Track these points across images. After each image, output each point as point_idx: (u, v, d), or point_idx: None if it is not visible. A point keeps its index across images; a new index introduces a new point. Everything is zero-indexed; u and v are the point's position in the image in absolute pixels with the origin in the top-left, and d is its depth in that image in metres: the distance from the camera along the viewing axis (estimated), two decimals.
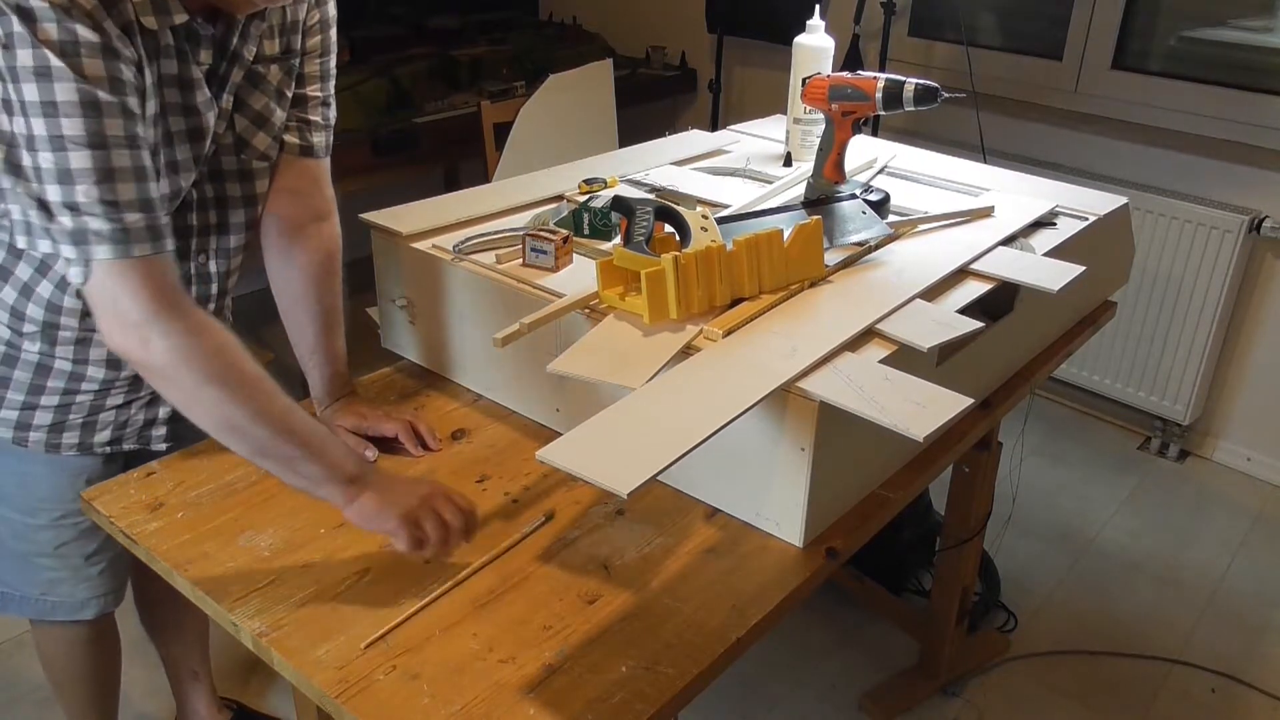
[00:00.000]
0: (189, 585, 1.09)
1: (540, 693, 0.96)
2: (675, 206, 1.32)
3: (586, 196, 1.61)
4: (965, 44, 2.91)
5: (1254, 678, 2.16)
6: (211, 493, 1.23)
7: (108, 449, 1.35)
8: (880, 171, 1.80)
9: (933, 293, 1.34)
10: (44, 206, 0.99)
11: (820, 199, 1.50)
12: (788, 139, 1.87)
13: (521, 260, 1.40)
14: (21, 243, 1.08)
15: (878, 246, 1.45)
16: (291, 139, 1.29)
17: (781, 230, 1.29)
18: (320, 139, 1.32)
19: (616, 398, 1.09)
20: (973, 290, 1.37)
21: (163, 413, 1.37)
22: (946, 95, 1.41)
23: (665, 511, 1.22)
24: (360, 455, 1.16)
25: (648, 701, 0.95)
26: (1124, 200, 1.73)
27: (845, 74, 1.48)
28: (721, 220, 1.41)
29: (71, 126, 0.96)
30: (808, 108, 1.78)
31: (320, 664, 0.98)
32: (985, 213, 1.59)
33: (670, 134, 2.02)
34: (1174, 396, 2.86)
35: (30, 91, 0.94)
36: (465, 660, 0.99)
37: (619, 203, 1.34)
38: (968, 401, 1.08)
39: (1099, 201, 1.71)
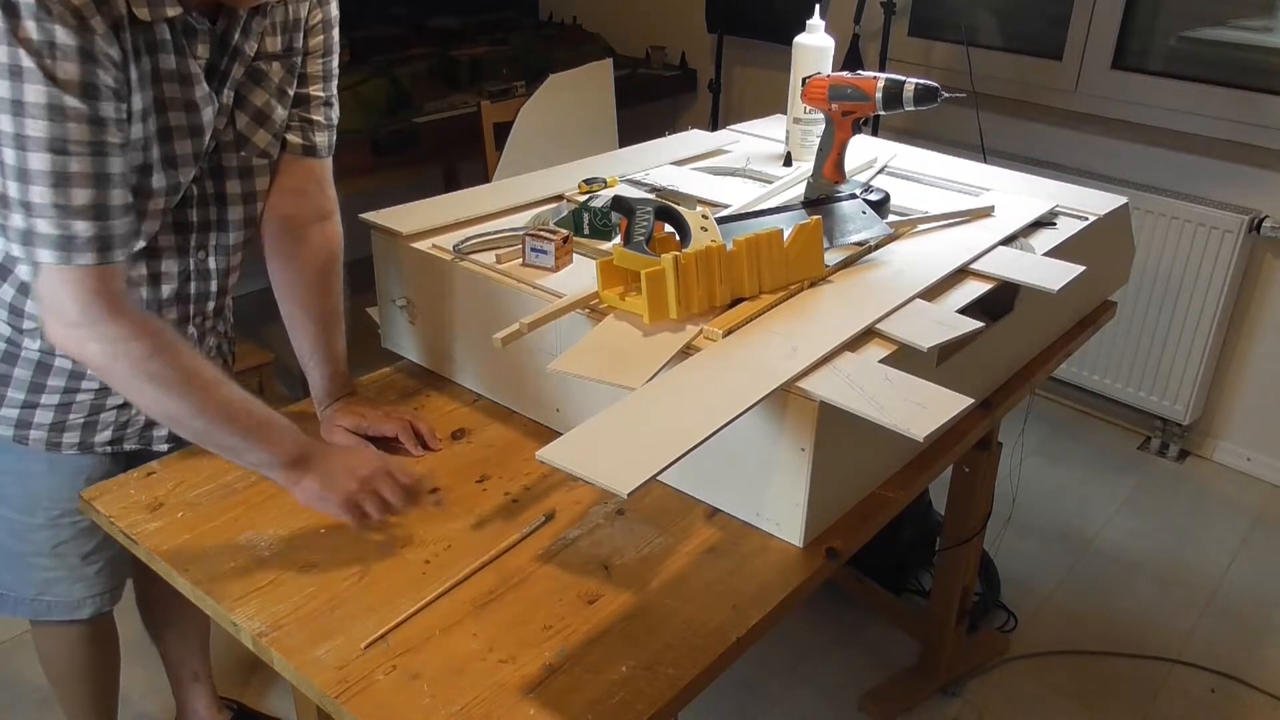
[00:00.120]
0: (189, 585, 1.09)
1: (540, 693, 0.96)
2: (675, 206, 1.32)
3: (586, 196, 1.61)
4: (965, 44, 2.91)
5: (1254, 678, 2.16)
6: (211, 493, 1.23)
7: (109, 448, 1.35)
8: (880, 171, 1.80)
9: (933, 293, 1.34)
10: (3, 200, 1.01)
11: (820, 199, 1.50)
12: (788, 139, 1.87)
13: (521, 260, 1.40)
14: None
15: (878, 246, 1.45)
16: (294, 139, 1.30)
17: (781, 230, 1.29)
18: (323, 139, 1.32)
19: (616, 398, 1.09)
20: (973, 290, 1.37)
21: None
22: (946, 95, 1.41)
23: (665, 511, 1.22)
24: (303, 438, 1.17)
25: (648, 701, 0.95)
26: (1124, 200, 1.73)
27: (845, 74, 1.48)
28: (721, 220, 1.41)
29: (35, 128, 0.97)
30: (808, 108, 1.79)
31: (320, 664, 0.98)
32: (985, 213, 1.59)
33: (670, 134, 2.02)
34: (1174, 396, 2.86)
35: (2, 88, 0.96)
36: (465, 660, 0.99)
37: (619, 203, 1.34)
38: (968, 401, 1.08)
39: (1099, 201, 1.71)
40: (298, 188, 1.32)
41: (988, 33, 3.10)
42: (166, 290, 1.26)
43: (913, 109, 1.42)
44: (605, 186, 1.66)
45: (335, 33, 1.30)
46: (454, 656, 1.00)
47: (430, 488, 1.25)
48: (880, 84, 1.43)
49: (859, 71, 1.48)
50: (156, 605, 1.73)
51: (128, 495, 1.22)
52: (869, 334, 1.23)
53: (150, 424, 1.37)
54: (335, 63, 1.32)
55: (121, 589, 1.51)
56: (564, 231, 1.40)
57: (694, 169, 1.81)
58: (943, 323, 1.25)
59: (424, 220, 1.49)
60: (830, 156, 1.51)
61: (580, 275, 1.36)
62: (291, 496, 1.19)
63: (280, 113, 1.26)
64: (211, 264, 1.30)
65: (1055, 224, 1.62)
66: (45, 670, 1.62)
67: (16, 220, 1.01)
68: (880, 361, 1.17)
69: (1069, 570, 2.47)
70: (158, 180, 1.14)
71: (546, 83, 2.80)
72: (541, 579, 1.11)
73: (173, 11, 1.06)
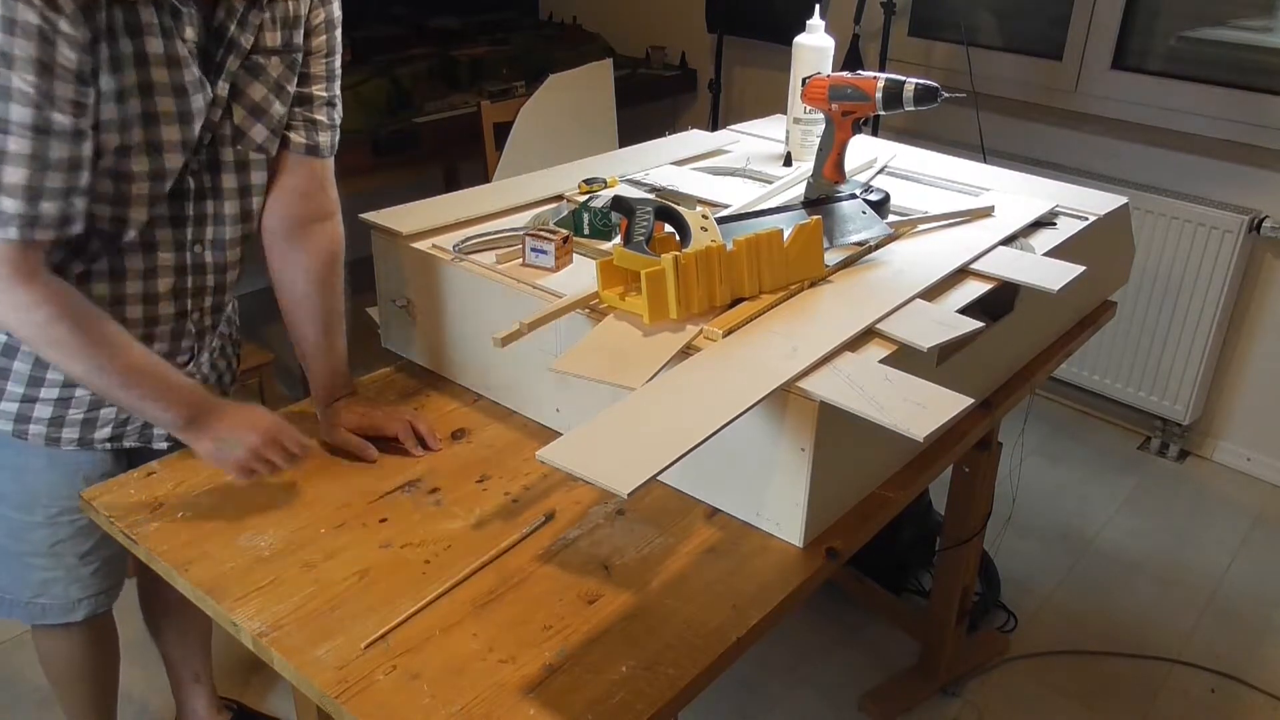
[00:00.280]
0: (189, 585, 1.09)
1: (540, 693, 0.96)
2: (675, 206, 1.32)
3: (586, 196, 1.61)
4: (965, 44, 2.91)
5: (1254, 678, 2.16)
6: (211, 493, 1.23)
7: (108, 445, 1.35)
8: (880, 171, 1.80)
9: (933, 293, 1.34)
10: None
11: (820, 199, 1.50)
12: (788, 139, 1.87)
13: (521, 260, 1.40)
14: None
15: (878, 246, 1.45)
16: (297, 138, 1.30)
17: (781, 230, 1.29)
18: (326, 138, 1.33)
19: (617, 398, 1.09)
20: (973, 290, 1.37)
21: None
22: (946, 95, 1.41)
23: (665, 511, 1.22)
24: (200, 401, 1.20)
25: (648, 701, 0.95)
26: (1124, 200, 1.73)
27: (845, 74, 1.48)
28: (721, 220, 1.41)
29: None
30: (808, 108, 1.79)
31: (320, 664, 0.98)
32: (985, 213, 1.59)
33: (670, 134, 2.02)
34: (1174, 396, 2.86)
35: None
36: (465, 660, 0.99)
37: (619, 203, 1.34)
38: (968, 401, 1.08)
39: (1099, 201, 1.71)
40: (300, 187, 1.33)
41: (988, 33, 3.10)
42: (163, 285, 1.26)
43: (913, 109, 1.42)
44: (605, 186, 1.66)
45: (338, 33, 1.30)
46: (454, 656, 1.00)
47: (430, 488, 1.25)
48: (880, 84, 1.43)
49: (859, 71, 1.48)
50: (158, 605, 1.74)
51: (128, 495, 1.22)
52: (869, 334, 1.23)
53: (149, 422, 1.37)
54: (338, 62, 1.32)
55: (117, 590, 1.51)
56: (564, 231, 1.40)
57: (694, 169, 1.81)
58: (943, 323, 1.25)
59: (424, 220, 1.49)
60: (830, 156, 1.51)
61: (580, 275, 1.36)
62: (295, 499, 1.21)
63: (278, 108, 1.26)
64: (208, 258, 1.30)
65: (1055, 224, 1.62)
66: (45, 670, 1.62)
67: None
68: (880, 361, 1.17)
69: (1069, 570, 2.47)
70: (139, 164, 1.14)
71: (546, 83, 2.79)
72: (541, 579, 1.11)
73: None
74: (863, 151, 1.85)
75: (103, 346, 1.13)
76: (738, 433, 1.12)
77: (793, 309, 1.27)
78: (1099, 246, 1.69)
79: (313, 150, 1.32)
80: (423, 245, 1.44)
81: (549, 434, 1.36)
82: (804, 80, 1.53)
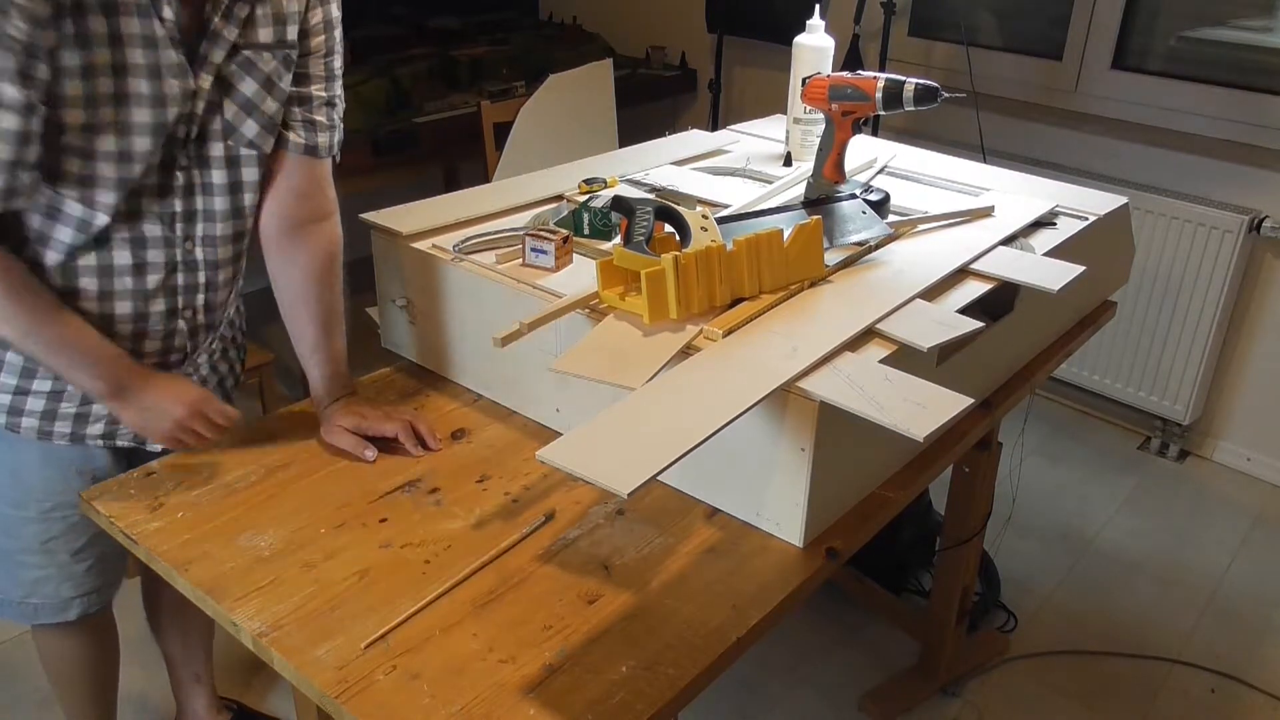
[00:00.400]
0: (189, 585, 1.09)
1: (540, 693, 0.96)
2: (675, 206, 1.32)
3: (586, 196, 1.61)
4: (965, 44, 2.91)
5: (1254, 678, 2.16)
6: (211, 493, 1.23)
7: (100, 442, 1.34)
8: (880, 171, 1.80)
9: (933, 293, 1.34)
10: None
11: (820, 199, 1.50)
12: (788, 139, 1.87)
13: (521, 260, 1.40)
14: None
15: (878, 246, 1.45)
16: (296, 138, 1.30)
17: (781, 230, 1.29)
18: (325, 139, 1.32)
19: (617, 398, 1.09)
20: (973, 290, 1.37)
21: None
22: (946, 95, 1.41)
23: (665, 511, 1.22)
24: (125, 372, 1.23)
25: (648, 701, 0.95)
26: (1124, 200, 1.73)
27: (845, 74, 1.48)
28: (721, 220, 1.41)
29: None
30: (808, 108, 1.79)
31: (320, 664, 0.98)
32: (985, 213, 1.59)
33: (670, 134, 2.02)
34: (1174, 396, 2.86)
35: None
36: (465, 660, 0.99)
37: (619, 203, 1.34)
38: (968, 401, 1.08)
39: (1099, 201, 1.71)
40: (297, 188, 1.33)
41: (988, 33, 3.10)
42: (152, 280, 1.26)
43: (913, 109, 1.42)
44: (605, 186, 1.66)
45: (337, 33, 1.30)
46: (454, 656, 1.00)
47: (430, 488, 1.25)
48: (880, 84, 1.43)
49: (859, 71, 1.48)
50: (161, 605, 1.74)
51: (128, 495, 1.22)
52: (869, 334, 1.23)
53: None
54: (338, 63, 1.32)
55: (112, 589, 1.51)
56: (564, 231, 1.40)
57: (694, 169, 1.81)
58: (943, 323, 1.25)
59: (424, 220, 1.49)
60: (830, 156, 1.51)
61: (580, 275, 1.36)
62: (295, 499, 1.21)
63: (271, 104, 1.25)
64: (199, 255, 1.29)
65: (1055, 224, 1.62)
66: (45, 668, 1.62)
67: None
68: (880, 361, 1.17)
69: (1069, 570, 2.47)
70: (105, 143, 1.13)
71: (546, 83, 2.79)
72: (541, 579, 1.11)
73: None
74: (863, 151, 1.85)
75: (34, 314, 1.16)
76: (738, 433, 1.12)
77: (793, 309, 1.27)
78: (1099, 246, 1.69)
79: (311, 150, 1.31)
80: (423, 245, 1.44)
81: (549, 434, 1.36)
82: (804, 80, 1.53)
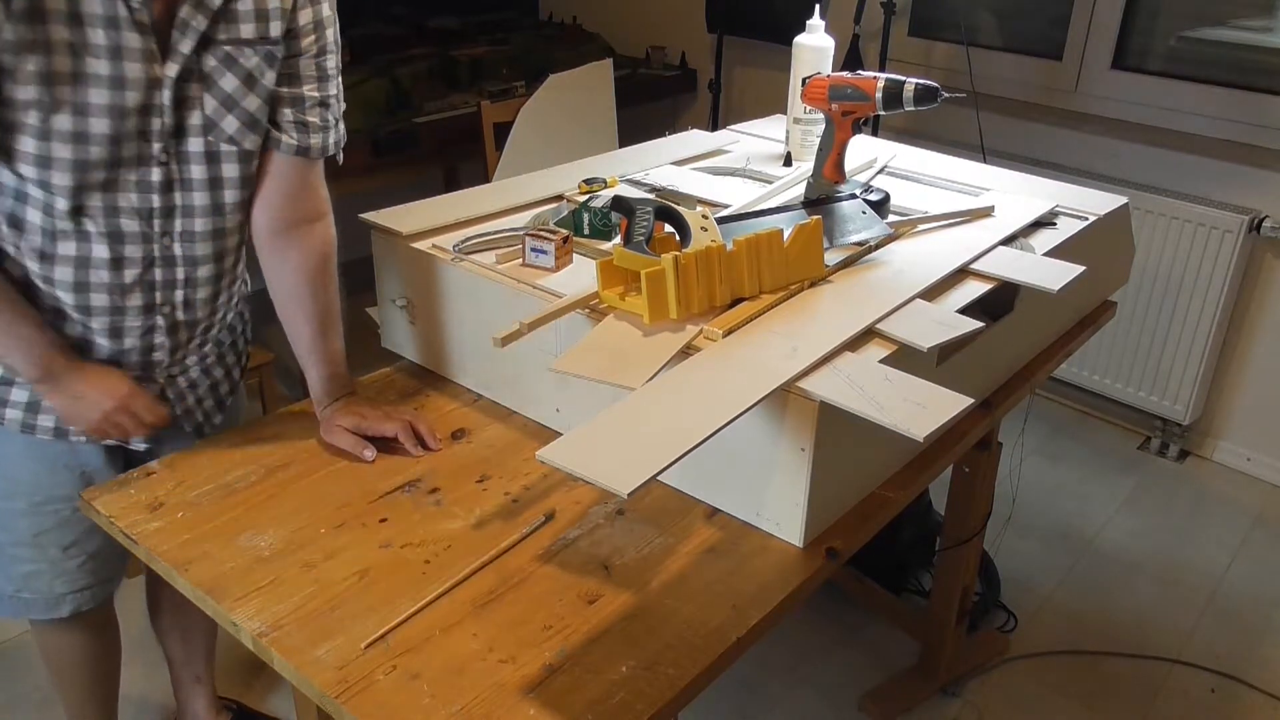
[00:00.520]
0: (189, 585, 1.09)
1: (540, 693, 0.96)
2: (675, 206, 1.32)
3: (586, 196, 1.61)
4: (965, 44, 2.91)
5: (1254, 678, 2.16)
6: (211, 493, 1.23)
7: (82, 438, 1.34)
8: (880, 171, 1.80)
9: (933, 293, 1.34)
10: None
11: (820, 199, 1.50)
12: (788, 139, 1.87)
13: (521, 260, 1.40)
14: None
15: (878, 246, 1.45)
16: (288, 139, 1.28)
17: (781, 230, 1.29)
18: (318, 140, 1.31)
19: (617, 398, 1.09)
20: (973, 290, 1.37)
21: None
22: (946, 95, 1.41)
23: (665, 511, 1.22)
24: (55, 360, 1.24)
25: (648, 701, 0.95)
26: (1124, 200, 1.73)
27: (845, 74, 1.48)
28: (721, 220, 1.41)
29: None
30: (808, 108, 1.79)
31: (320, 664, 0.98)
32: (985, 213, 1.59)
33: (670, 134, 2.02)
34: (1174, 396, 2.86)
35: None
36: (465, 660, 0.99)
37: (619, 203, 1.34)
38: (968, 401, 1.08)
39: (1099, 201, 1.71)
40: (289, 189, 1.32)
41: (988, 33, 3.10)
42: (129, 275, 1.25)
43: (913, 109, 1.42)
44: (605, 186, 1.66)
45: (331, 33, 1.29)
46: (454, 656, 1.00)
47: (430, 488, 1.25)
48: (880, 84, 1.43)
49: (859, 71, 1.48)
50: (164, 605, 1.74)
51: (128, 495, 1.22)
52: (869, 334, 1.23)
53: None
54: (332, 63, 1.31)
55: (108, 587, 1.51)
56: (564, 231, 1.40)
57: (694, 169, 1.81)
58: (943, 323, 1.25)
59: (424, 220, 1.49)
60: (830, 156, 1.51)
61: (580, 275, 1.36)
62: (295, 499, 1.21)
63: (252, 101, 1.24)
64: (177, 251, 1.27)
65: (1055, 224, 1.62)
66: (44, 661, 1.62)
67: None
68: (880, 361, 1.17)
69: (1069, 570, 2.47)
70: (62, 123, 1.12)
71: (546, 83, 2.80)
72: (541, 579, 1.11)
73: None
74: (863, 151, 1.85)
75: None
76: (738, 433, 1.12)
77: (793, 309, 1.27)
78: (1099, 246, 1.69)
79: (303, 152, 1.30)
80: (423, 245, 1.44)
81: (549, 434, 1.36)
82: (804, 80, 1.53)
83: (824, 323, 1.23)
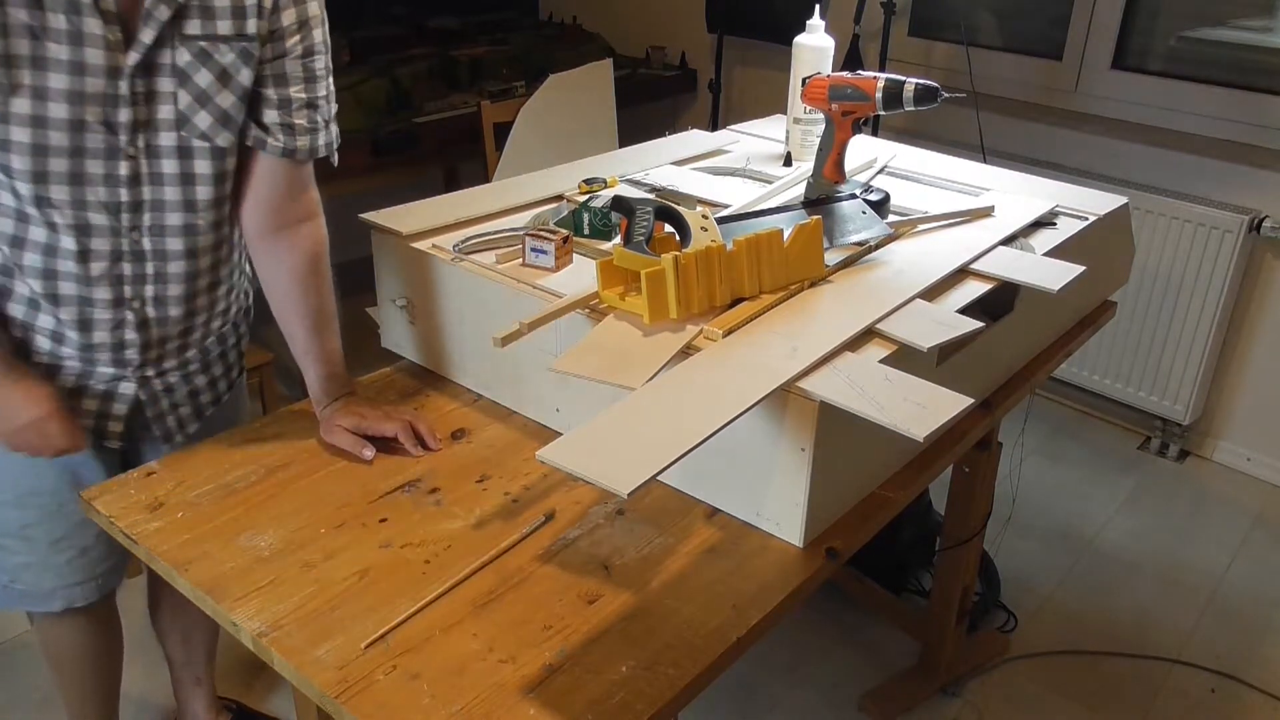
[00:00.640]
0: (189, 585, 1.09)
1: (540, 693, 0.96)
2: (675, 206, 1.32)
3: (586, 196, 1.61)
4: (965, 44, 2.91)
5: (1254, 678, 2.16)
6: (211, 493, 1.23)
7: None
8: (880, 171, 1.80)
9: (933, 293, 1.34)
10: None
11: (820, 199, 1.50)
12: (788, 139, 1.87)
13: (521, 260, 1.40)
14: None
15: (878, 246, 1.45)
16: (273, 141, 1.27)
17: (781, 230, 1.29)
18: (304, 142, 1.29)
19: (617, 398, 1.09)
20: (973, 290, 1.37)
21: (117, 409, 1.35)
22: (946, 95, 1.41)
23: (665, 511, 1.22)
24: None
25: (648, 701, 0.95)
26: (1124, 200, 1.73)
27: (845, 74, 1.48)
28: (721, 220, 1.41)
29: None
30: (808, 108, 1.79)
31: (320, 664, 0.98)
32: (985, 213, 1.59)
33: (670, 134, 2.02)
34: (1174, 396, 2.86)
35: None
36: (465, 660, 0.99)
37: (619, 203, 1.34)
38: (968, 401, 1.08)
39: (1099, 201, 1.71)
40: (277, 191, 1.31)
41: (988, 33, 3.10)
42: (96, 268, 1.24)
43: (913, 109, 1.42)
44: (605, 186, 1.66)
45: (318, 33, 1.27)
46: (454, 656, 1.00)
47: (430, 488, 1.25)
48: (880, 84, 1.43)
49: (859, 71, 1.48)
50: (164, 606, 1.74)
51: (128, 495, 1.22)
52: (869, 334, 1.23)
53: (103, 417, 1.35)
54: (321, 64, 1.28)
55: (102, 586, 1.50)
56: (564, 231, 1.40)
57: (694, 169, 1.81)
58: (943, 323, 1.25)
59: (424, 220, 1.49)
60: (830, 156, 1.51)
61: (580, 275, 1.36)
62: (295, 499, 1.21)
63: (227, 98, 1.22)
64: (146, 245, 1.26)
65: (1055, 224, 1.62)
66: (45, 659, 1.62)
67: None
68: (880, 361, 1.17)
69: (1069, 570, 2.47)
70: (20, 106, 1.12)
71: (546, 83, 2.80)
72: (541, 579, 1.11)
73: None
74: (863, 151, 1.85)
75: None
76: (738, 433, 1.12)
77: (793, 309, 1.27)
78: (1099, 246, 1.69)
79: (289, 154, 1.28)
80: (423, 245, 1.44)
81: (549, 434, 1.36)
82: (804, 80, 1.53)
83: (824, 323, 1.23)
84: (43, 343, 1.29)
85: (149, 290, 1.30)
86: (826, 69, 1.75)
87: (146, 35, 1.15)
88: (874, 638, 2.23)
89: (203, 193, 1.27)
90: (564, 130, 2.83)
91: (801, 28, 1.81)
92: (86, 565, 1.46)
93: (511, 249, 1.42)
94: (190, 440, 1.43)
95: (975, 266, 1.42)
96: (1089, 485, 2.81)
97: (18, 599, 1.46)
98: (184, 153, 1.23)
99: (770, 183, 1.72)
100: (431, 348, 1.49)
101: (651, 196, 1.61)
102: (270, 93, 1.25)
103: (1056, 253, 1.52)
